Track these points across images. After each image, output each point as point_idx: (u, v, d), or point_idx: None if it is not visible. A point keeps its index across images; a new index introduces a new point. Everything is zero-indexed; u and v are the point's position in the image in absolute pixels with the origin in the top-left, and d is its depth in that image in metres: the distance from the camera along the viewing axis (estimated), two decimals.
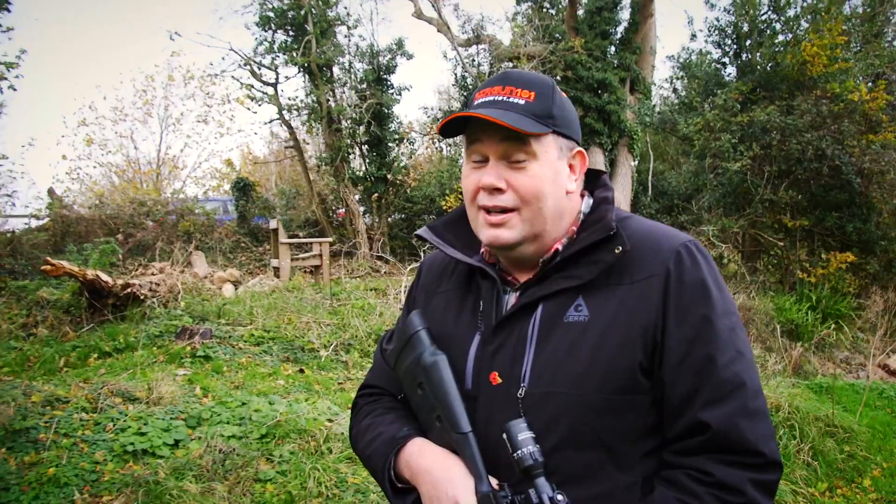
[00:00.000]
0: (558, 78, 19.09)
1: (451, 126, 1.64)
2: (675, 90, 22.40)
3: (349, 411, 2.20)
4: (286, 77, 19.58)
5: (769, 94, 13.81)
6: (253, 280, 13.64)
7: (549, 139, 1.62)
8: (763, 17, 16.47)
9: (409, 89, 19.82)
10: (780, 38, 16.35)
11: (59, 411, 6.53)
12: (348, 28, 19.27)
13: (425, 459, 1.62)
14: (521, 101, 1.61)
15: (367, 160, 19.17)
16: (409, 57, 19.27)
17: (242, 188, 19.71)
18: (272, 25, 18.41)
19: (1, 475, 5.41)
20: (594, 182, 1.82)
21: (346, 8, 36.96)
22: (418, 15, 22.48)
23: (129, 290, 10.03)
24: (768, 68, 15.12)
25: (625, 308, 1.56)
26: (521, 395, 1.57)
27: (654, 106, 21.35)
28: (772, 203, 11.76)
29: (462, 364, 1.69)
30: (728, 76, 17.37)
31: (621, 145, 19.67)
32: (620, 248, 1.57)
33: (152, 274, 11.56)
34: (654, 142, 22.58)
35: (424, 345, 1.70)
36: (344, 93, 19.22)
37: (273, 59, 18.74)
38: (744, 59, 16.66)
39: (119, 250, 12.35)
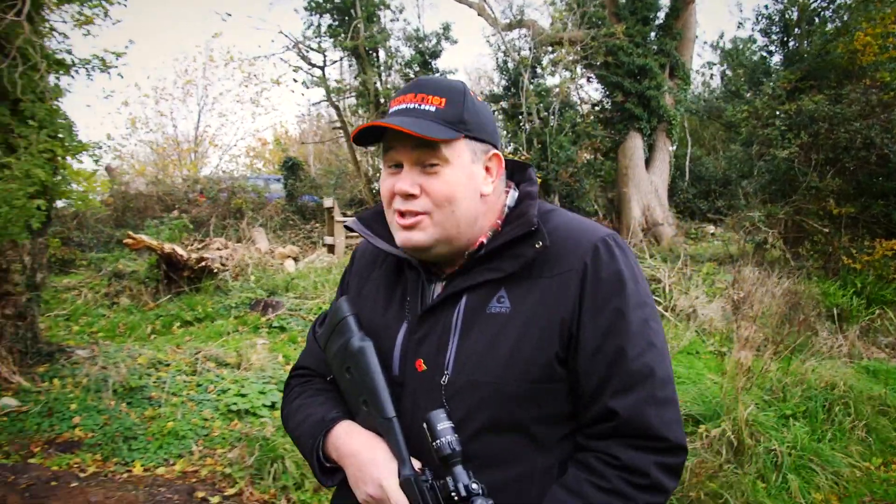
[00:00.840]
0: (598, 63, 19.38)
1: (365, 136, 1.70)
2: (722, 77, 22.53)
3: None
4: (332, 60, 19.93)
5: (817, 83, 14.04)
6: (310, 256, 14.13)
7: (460, 144, 1.65)
8: (813, 6, 16.62)
9: (454, 73, 20.16)
10: (830, 26, 16.49)
11: (163, 373, 7.06)
12: (393, 12, 19.63)
13: (352, 442, 1.67)
14: (432, 108, 1.64)
15: None
16: (454, 42, 19.60)
17: (291, 167, 20.25)
18: (320, 9, 18.79)
19: (129, 426, 5.94)
20: (521, 175, 1.88)
21: None
22: None
23: (203, 263, 10.56)
24: (817, 57, 15.34)
25: (544, 301, 1.62)
26: (444, 382, 1.62)
27: (699, 93, 21.52)
28: (817, 190, 12.02)
29: (390, 351, 1.73)
30: (774, 64, 17.56)
31: (660, 130, 19.91)
32: (541, 243, 1.63)
33: (217, 249, 12.07)
34: (692, 127, 22.81)
35: (352, 330, 1.75)
36: (390, 76, 19.61)
37: (320, 42, 19.19)
38: (791, 47, 16.82)
39: (190, 226, 12.90)
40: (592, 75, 21.26)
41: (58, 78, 7.27)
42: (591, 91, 22.41)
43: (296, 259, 13.46)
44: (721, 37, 24.47)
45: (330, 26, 18.96)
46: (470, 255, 1.71)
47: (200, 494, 5.14)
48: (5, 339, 7.11)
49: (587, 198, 19.93)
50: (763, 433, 5.76)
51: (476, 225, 1.70)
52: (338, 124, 20.70)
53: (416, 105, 1.65)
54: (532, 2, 65.51)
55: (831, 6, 16.37)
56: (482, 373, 1.59)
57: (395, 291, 1.82)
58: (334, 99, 19.40)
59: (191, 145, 30.53)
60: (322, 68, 19.35)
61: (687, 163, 21.29)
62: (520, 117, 19.43)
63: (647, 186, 19.54)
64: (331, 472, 1.73)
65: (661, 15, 20.32)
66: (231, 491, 5.25)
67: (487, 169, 1.72)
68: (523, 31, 21.34)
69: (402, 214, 1.66)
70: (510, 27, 21.22)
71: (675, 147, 20.91)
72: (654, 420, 1.55)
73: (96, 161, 7.84)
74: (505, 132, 20.07)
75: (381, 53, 19.59)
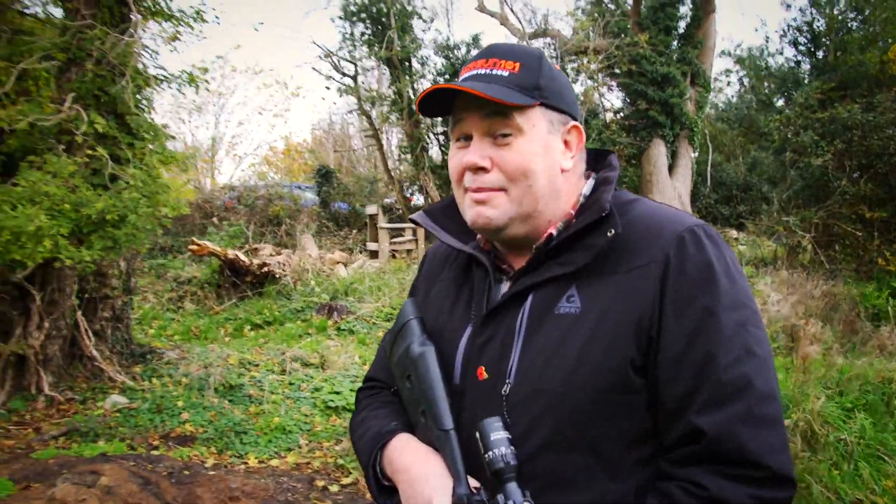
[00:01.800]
0: (622, 71, 19.79)
1: (432, 105, 1.55)
2: (749, 85, 22.91)
3: None
4: (365, 69, 20.41)
5: (848, 92, 14.42)
6: (357, 262, 14.53)
7: (536, 112, 1.49)
8: (841, 18, 17.04)
9: None
10: (858, 35, 16.87)
11: (254, 372, 7.47)
12: (425, 22, 20.11)
13: (405, 457, 1.53)
14: (505, 73, 1.49)
15: (445, 149, 20.00)
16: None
17: (325, 175, 20.67)
18: (353, 19, 19.24)
19: (237, 422, 6.34)
20: (601, 162, 1.68)
21: (422, 2, 37.86)
22: (481, 8, 23.21)
23: (265, 269, 10.97)
24: (850, 67, 15.71)
25: (617, 298, 1.41)
26: (505, 392, 1.45)
27: (733, 102, 21.90)
28: (851, 195, 12.41)
29: (452, 357, 1.58)
30: (803, 73, 17.96)
31: (682, 137, 20.29)
32: (612, 231, 1.43)
33: (270, 255, 12.46)
34: (711, 134, 23.22)
35: (414, 335, 1.62)
36: (422, 85, 20.05)
37: (350, 52, 19.65)
38: (820, 57, 17.23)
39: (247, 233, 13.30)
40: (614, 84, 21.71)
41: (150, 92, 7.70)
42: (612, 99, 22.76)
43: (345, 264, 13.88)
44: (738, 46, 24.86)
45: (363, 34, 19.43)
46: (538, 249, 1.53)
47: (320, 483, 5.54)
48: (107, 340, 7.52)
49: None
50: (831, 424, 6.13)
51: (559, 202, 1.54)
52: (370, 132, 21.11)
53: (488, 70, 1.50)
54: (554, 11, 65.90)
55: (859, 17, 16.78)
56: (546, 381, 1.41)
57: (463, 291, 1.67)
58: (366, 108, 19.83)
59: (206, 155, 30.94)
60: (354, 78, 19.79)
61: (708, 169, 21.68)
62: None
63: (671, 192, 19.90)
64: (389, 492, 1.57)
65: (683, 24, 20.75)
66: (346, 480, 5.65)
67: (566, 143, 1.56)
68: (547, 40, 21.81)
69: (474, 191, 1.50)
70: (535, 35, 21.66)
71: (696, 153, 21.31)
72: (750, 443, 1.29)
73: (184, 171, 8.24)
74: None
75: (414, 62, 20.05)
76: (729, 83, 23.65)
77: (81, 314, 7.35)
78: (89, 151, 6.41)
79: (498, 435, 1.35)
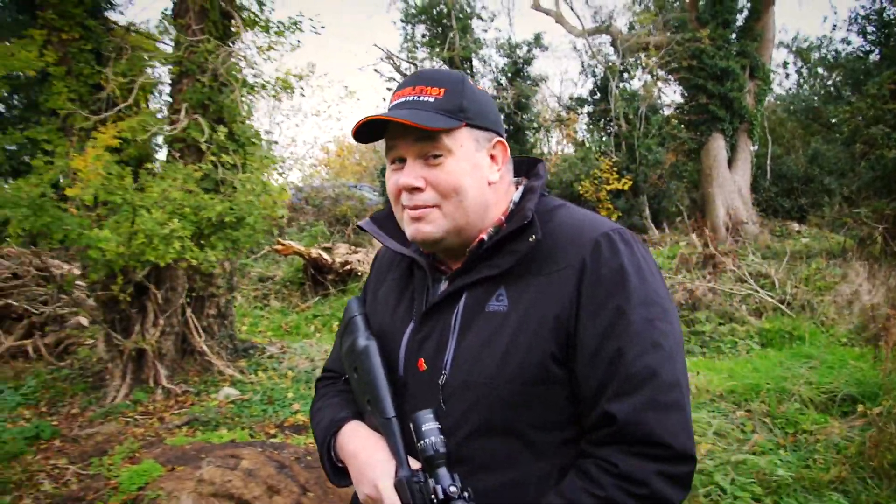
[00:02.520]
0: (682, 66, 19.85)
1: (367, 133, 1.66)
2: (818, 78, 22.74)
3: None
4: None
5: None
6: None
7: (462, 133, 1.61)
8: None
9: (545, 80, 20.87)
10: None
11: None
12: (484, 21, 20.39)
13: (354, 443, 1.68)
14: (431, 99, 1.61)
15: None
16: (545, 48, 20.28)
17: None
18: (414, 21, 19.61)
19: None
20: (531, 170, 1.83)
21: (482, 2, 38.32)
22: (536, 6, 23.38)
23: (347, 266, 11.35)
24: None
25: (539, 299, 1.56)
26: (441, 382, 1.59)
27: (798, 93, 21.81)
28: None
29: (396, 351, 1.71)
30: (872, 64, 17.80)
31: (741, 131, 20.26)
32: (534, 236, 1.58)
33: (346, 253, 12.83)
34: (771, 126, 23.12)
35: (359, 330, 1.76)
36: (484, 84, 20.34)
37: (409, 53, 19.99)
38: (891, 46, 17.02)
39: (327, 233, 13.73)
40: (673, 79, 21.75)
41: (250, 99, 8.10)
42: (669, 93, 22.84)
43: None
44: (795, 38, 24.65)
45: (424, 36, 19.78)
46: (471, 252, 1.67)
47: None
48: (214, 336, 7.95)
49: (674, 199, 20.44)
50: None
51: (488, 214, 1.68)
52: None
53: (415, 97, 1.62)
54: (607, 5, 65.56)
55: None
56: (476, 373, 1.55)
57: (406, 292, 1.81)
58: None
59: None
60: None
61: (768, 162, 21.61)
62: (608, 122, 20.00)
63: (731, 186, 19.90)
64: (343, 474, 1.74)
65: (741, 18, 20.70)
66: None
67: (493, 157, 1.69)
68: (607, 37, 21.95)
69: (411, 209, 1.63)
70: (595, 32, 21.81)
71: (756, 147, 21.26)
72: (655, 426, 1.45)
73: (281, 175, 8.62)
74: (590, 135, 20.67)
75: (475, 62, 20.34)
76: (787, 75, 23.47)
77: (191, 312, 7.79)
78: (212, 158, 6.82)
79: (429, 425, 1.50)
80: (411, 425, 1.52)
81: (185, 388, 7.43)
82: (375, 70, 24.13)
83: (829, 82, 20.01)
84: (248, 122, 7.69)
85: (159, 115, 7.68)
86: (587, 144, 22.71)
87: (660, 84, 22.44)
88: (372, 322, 1.81)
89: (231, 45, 7.56)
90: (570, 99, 23.18)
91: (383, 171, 21.66)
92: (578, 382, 1.53)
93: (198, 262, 6.39)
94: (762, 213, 20.83)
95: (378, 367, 1.66)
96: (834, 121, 15.58)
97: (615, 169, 19.49)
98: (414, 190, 1.60)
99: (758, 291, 11.30)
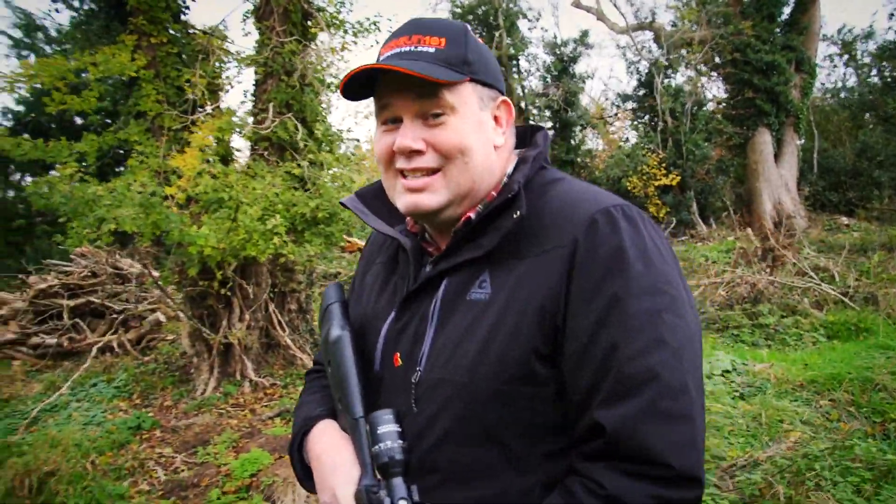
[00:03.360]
0: (726, 61, 19.83)
1: (355, 88, 1.45)
2: (879, 70, 22.60)
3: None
4: None
5: None
6: None
7: (466, 88, 1.41)
8: None
9: (591, 77, 20.98)
10: None
11: None
12: (530, 21, 20.53)
13: (319, 445, 1.50)
14: (431, 49, 1.40)
15: (554, 145, 20.38)
16: (590, 46, 20.37)
17: None
18: (462, 20, 19.78)
19: None
20: (530, 139, 1.61)
21: (526, 2, 38.55)
22: (577, 4, 23.44)
23: None
24: None
25: (522, 285, 1.34)
26: (415, 380, 1.40)
27: (853, 86, 21.70)
28: None
29: (375, 343, 1.53)
30: None
31: (787, 125, 20.21)
32: (518, 212, 1.36)
33: None
34: (817, 119, 23.00)
35: (334, 319, 1.59)
36: (531, 82, 20.51)
37: None
38: None
39: None
40: (717, 74, 21.72)
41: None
42: (714, 89, 22.80)
43: None
44: (840, 31, 24.42)
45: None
46: (457, 232, 1.47)
47: None
48: (298, 330, 8.16)
49: (721, 193, 20.42)
50: None
51: (488, 182, 1.47)
52: None
53: (412, 47, 1.41)
54: (648, 2, 65.26)
55: None
56: (451, 370, 1.35)
57: (391, 278, 1.62)
58: None
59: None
60: None
61: (814, 155, 21.50)
62: (654, 118, 20.03)
63: (777, 180, 19.85)
64: (311, 476, 1.54)
65: (787, 11, 20.62)
66: None
67: (496, 119, 1.49)
68: (650, 33, 21.96)
69: (406, 175, 1.43)
70: (637, 29, 21.83)
71: (802, 140, 21.17)
72: (652, 439, 1.21)
73: (359, 172, 8.81)
74: (637, 132, 20.72)
75: (522, 60, 20.50)
76: (835, 67, 23.31)
77: (274, 307, 7.99)
78: (311, 156, 7.02)
79: (386, 428, 1.31)
80: (367, 427, 1.35)
81: (272, 381, 7.64)
82: None
83: (885, 73, 19.81)
84: (326, 120, 7.89)
85: (238, 116, 7.88)
86: (634, 140, 22.78)
87: (703, 79, 22.42)
88: (355, 310, 1.65)
89: (319, 45, 7.76)
90: (617, 95, 23.25)
91: None
92: (566, 381, 1.31)
93: (294, 256, 6.57)
94: (809, 208, 20.76)
95: (349, 361, 1.48)
96: (892, 112, 15.41)
97: (663, 165, 19.52)
98: (413, 153, 1.41)
99: (819, 284, 11.28)
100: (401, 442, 1.30)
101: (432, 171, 1.41)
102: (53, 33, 20.20)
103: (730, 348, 8.82)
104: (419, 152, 1.39)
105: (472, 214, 1.44)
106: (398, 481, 1.26)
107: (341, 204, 1.70)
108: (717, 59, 20.53)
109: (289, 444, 1.64)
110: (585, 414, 1.26)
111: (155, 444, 6.34)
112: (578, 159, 20.08)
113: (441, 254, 1.47)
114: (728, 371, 7.20)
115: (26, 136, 8.42)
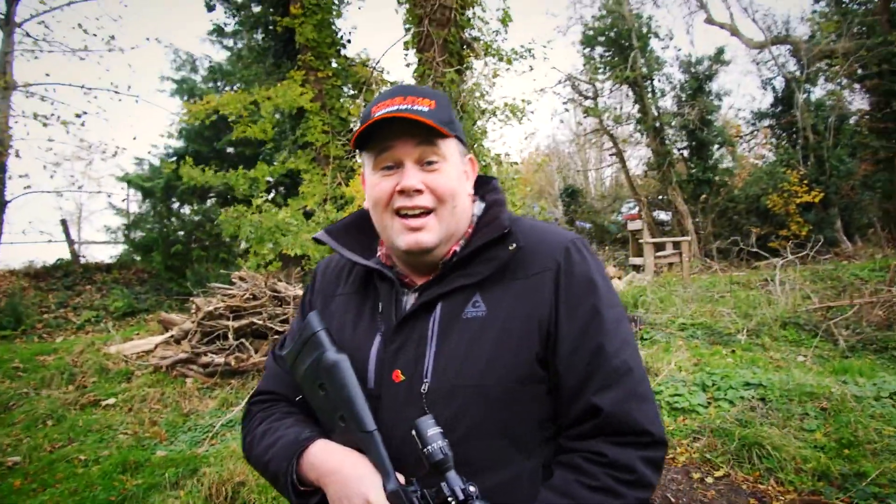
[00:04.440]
0: (872, 73, 19.03)
1: (361, 137, 1.67)
2: None
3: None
4: (609, 90, 20.95)
5: None
6: (626, 276, 14.94)
7: (452, 143, 1.71)
8: None
9: (728, 94, 20.66)
10: None
11: None
12: (662, 40, 20.38)
13: (333, 459, 1.62)
14: (425, 109, 1.64)
15: (691, 164, 20.11)
16: (726, 63, 20.02)
17: (571, 194, 21.41)
18: (593, 44, 19.85)
19: None
20: (484, 187, 1.90)
21: (659, 21, 38.49)
22: (709, 21, 23.09)
23: None
24: None
25: (521, 302, 1.63)
26: (424, 390, 1.60)
27: None
28: None
29: (364, 364, 1.70)
30: None
31: None
32: (514, 244, 1.67)
33: None
34: None
35: (325, 345, 1.70)
36: (665, 102, 20.34)
37: (591, 75, 20.22)
38: None
39: None
40: (860, 86, 20.91)
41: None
42: (857, 101, 21.93)
43: (619, 278, 14.33)
44: None
45: (602, 56, 19.99)
46: (444, 264, 1.73)
47: (696, 476, 5.94)
48: None
49: (867, 210, 19.58)
50: None
51: (463, 224, 1.76)
52: (612, 150, 21.58)
53: (409, 106, 1.64)
54: (783, 16, 63.67)
55: None
56: (463, 377, 1.59)
57: (365, 304, 1.82)
58: (609, 128, 20.33)
59: None
60: (594, 99, 20.36)
61: None
62: (793, 134, 19.47)
63: None
64: (306, 496, 1.67)
65: None
66: (718, 473, 6.00)
67: (465, 172, 1.79)
68: (785, 47, 21.38)
69: (406, 216, 1.67)
70: (774, 42, 21.30)
71: None
72: (637, 415, 1.57)
73: (513, 194, 9.00)
74: (775, 149, 20.17)
75: (655, 81, 20.36)
76: None
77: None
78: None
79: (433, 430, 1.47)
80: (413, 432, 1.49)
81: None
82: (554, 92, 24.62)
83: None
84: (484, 145, 8.10)
85: None
86: (772, 158, 22.18)
87: (846, 92, 21.62)
88: None
89: (475, 73, 8.02)
90: (752, 113, 22.71)
91: (566, 190, 21.97)
92: (559, 377, 1.62)
93: None
94: None
95: (353, 381, 1.63)
96: None
97: (804, 182, 18.89)
98: (415, 193, 1.64)
99: None
100: (447, 441, 1.47)
101: (427, 212, 1.66)
102: (203, 73, 21.37)
103: (892, 370, 8.48)
104: (419, 192, 1.64)
105: (456, 248, 1.73)
106: (453, 474, 1.46)
107: (314, 240, 1.92)
108: (860, 71, 19.75)
109: (270, 467, 1.72)
110: (579, 401, 1.59)
111: None
112: (717, 178, 19.66)
113: (430, 282, 1.72)
114: None
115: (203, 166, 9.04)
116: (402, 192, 1.64)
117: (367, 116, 1.68)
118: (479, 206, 1.84)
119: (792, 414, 6.65)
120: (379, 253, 1.86)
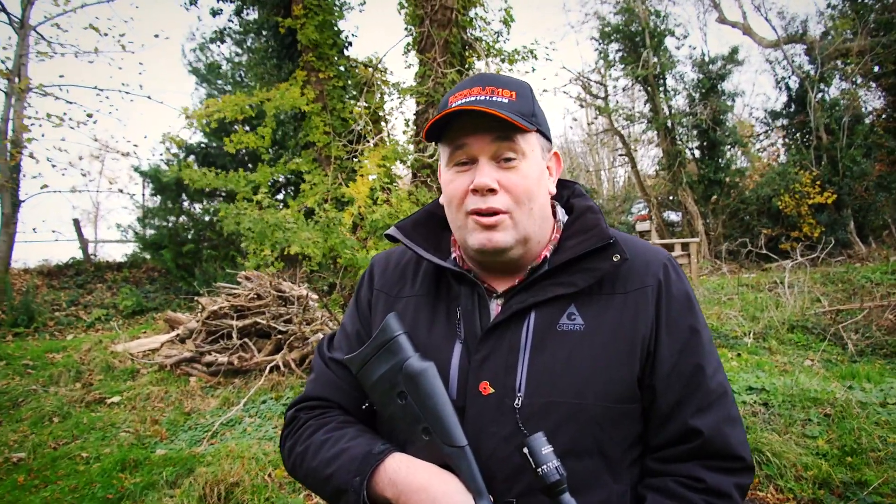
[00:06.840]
0: (888, 71, 18.84)
1: (433, 130, 1.57)
2: None
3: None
4: (620, 89, 20.87)
5: None
6: None
7: (533, 138, 1.58)
8: None
9: (741, 95, 20.51)
10: None
11: None
12: (677, 38, 20.28)
13: (418, 476, 1.48)
14: (505, 100, 1.54)
15: (702, 164, 19.99)
16: (739, 63, 19.88)
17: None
18: (608, 41, 19.77)
19: None
20: (566, 190, 1.79)
21: (674, 19, 38.42)
22: (722, 20, 22.95)
23: None
24: None
25: (623, 318, 1.55)
26: (518, 405, 1.50)
27: None
28: None
29: (444, 374, 1.57)
30: None
31: None
32: (618, 256, 1.57)
33: None
34: None
35: (408, 351, 1.57)
36: (677, 101, 20.24)
37: (604, 71, 20.18)
38: None
39: None
40: (875, 85, 20.70)
41: None
42: (872, 100, 21.71)
43: None
44: None
45: (618, 52, 19.92)
46: (532, 270, 1.63)
47: None
48: None
49: (882, 211, 19.38)
50: None
51: (546, 226, 1.65)
52: (622, 151, 21.48)
53: (487, 97, 1.54)
54: (799, 14, 63.23)
55: None
56: (560, 393, 1.49)
57: (439, 308, 1.69)
58: (619, 127, 20.24)
59: None
60: (605, 98, 20.27)
61: None
62: (806, 134, 19.31)
63: None
64: None
65: None
66: None
67: (548, 168, 1.67)
68: (800, 46, 21.21)
69: (480, 214, 1.55)
70: (788, 41, 21.13)
71: None
72: (731, 439, 1.53)
73: None
74: (788, 149, 20.02)
75: (669, 79, 20.26)
76: None
77: None
78: None
79: (547, 449, 1.38)
80: (526, 450, 1.40)
81: None
82: (564, 91, 24.54)
83: None
84: None
85: (400, 144, 8.17)
86: (785, 158, 22.02)
87: (861, 91, 21.40)
88: None
89: (467, 73, 7.98)
90: (765, 112, 22.54)
91: None
92: (655, 397, 1.56)
93: None
94: None
95: (442, 392, 1.52)
96: None
97: (817, 182, 18.73)
98: (488, 192, 1.53)
99: None
100: (560, 461, 1.38)
101: (502, 212, 1.54)
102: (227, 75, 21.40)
103: None
104: (493, 191, 1.52)
105: (546, 253, 1.63)
106: (567, 496, 1.37)
107: (386, 236, 1.76)
108: (876, 70, 19.56)
109: (333, 481, 1.57)
110: (675, 422, 1.54)
111: None
112: (728, 179, 19.52)
113: (517, 288, 1.61)
114: None
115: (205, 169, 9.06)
116: (476, 191, 1.54)
117: (443, 106, 1.59)
118: (561, 210, 1.74)
119: (794, 420, 6.57)
120: (454, 254, 1.73)
